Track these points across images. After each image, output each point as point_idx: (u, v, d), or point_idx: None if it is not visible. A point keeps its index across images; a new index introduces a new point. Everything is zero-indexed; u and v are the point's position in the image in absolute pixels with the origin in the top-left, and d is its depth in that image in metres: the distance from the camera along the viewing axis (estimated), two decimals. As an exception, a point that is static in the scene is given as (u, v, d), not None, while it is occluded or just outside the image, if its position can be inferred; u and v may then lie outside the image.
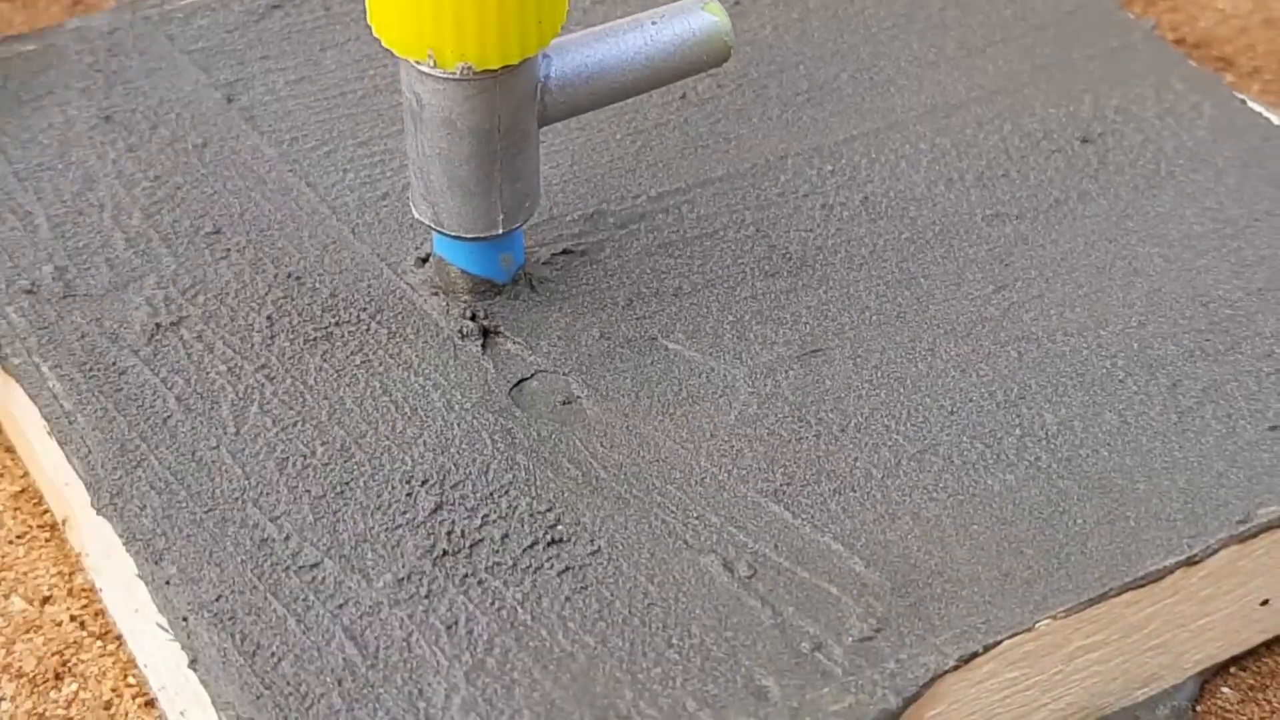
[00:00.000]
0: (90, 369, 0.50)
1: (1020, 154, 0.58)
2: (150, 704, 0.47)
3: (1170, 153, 0.58)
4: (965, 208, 0.56)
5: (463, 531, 0.46)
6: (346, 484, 0.47)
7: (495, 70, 0.47)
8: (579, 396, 0.49)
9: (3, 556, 0.51)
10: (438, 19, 0.46)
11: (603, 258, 0.53)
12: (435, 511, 0.46)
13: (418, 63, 0.47)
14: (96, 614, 0.49)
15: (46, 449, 0.50)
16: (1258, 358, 0.51)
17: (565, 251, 0.53)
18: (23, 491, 0.52)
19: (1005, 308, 0.52)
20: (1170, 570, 0.46)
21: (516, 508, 0.46)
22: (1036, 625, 0.44)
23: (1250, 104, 0.60)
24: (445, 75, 0.47)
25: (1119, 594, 0.45)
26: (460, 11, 0.45)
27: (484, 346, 0.51)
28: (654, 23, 0.51)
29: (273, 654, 0.43)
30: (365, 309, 0.52)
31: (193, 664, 0.43)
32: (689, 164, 0.57)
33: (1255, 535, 0.47)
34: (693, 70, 0.52)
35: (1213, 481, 0.48)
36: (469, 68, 0.47)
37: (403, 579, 0.45)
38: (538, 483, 0.47)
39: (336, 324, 0.51)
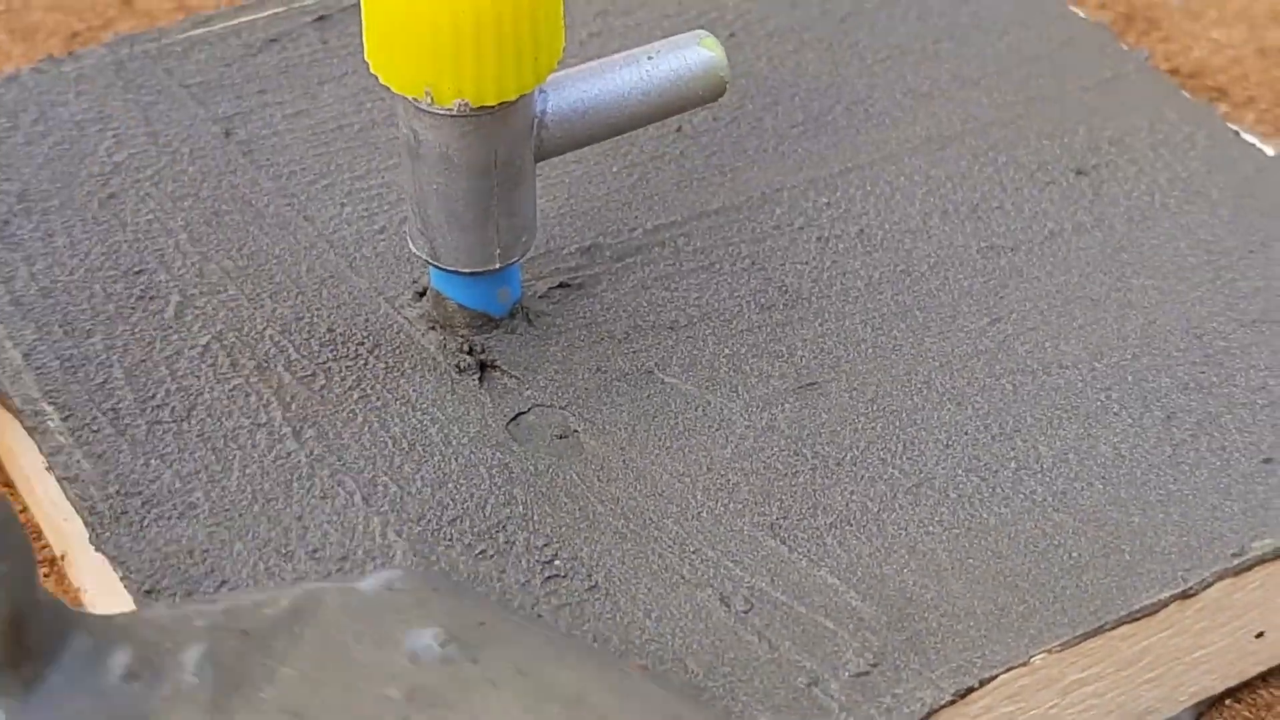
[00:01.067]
0: (89, 404, 0.50)
1: (1015, 186, 0.58)
2: (148, 739, 0.47)
3: (1164, 184, 0.58)
4: (960, 240, 0.56)
5: (460, 566, 0.46)
6: (344, 519, 0.47)
7: (492, 107, 0.47)
8: (576, 430, 0.50)
9: (1, 591, 0.51)
10: (435, 57, 0.46)
11: (599, 291, 0.54)
12: (433, 546, 0.47)
13: (415, 100, 0.47)
14: (95, 649, 0.49)
15: (45, 484, 0.50)
16: (1252, 390, 0.51)
17: (562, 285, 0.54)
18: (22, 527, 0.52)
19: (1000, 340, 0.53)
20: (1165, 604, 0.46)
21: (514, 543, 0.47)
22: (1032, 659, 0.44)
23: (1244, 135, 0.60)
24: (442, 112, 0.47)
25: (1114, 628, 0.45)
26: (457, 49, 0.46)
27: (481, 380, 0.51)
28: (650, 58, 0.51)
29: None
30: (363, 343, 0.52)
31: (191, 700, 0.44)
32: (685, 197, 0.57)
33: (1250, 568, 0.47)
34: (689, 105, 0.52)
35: (1207, 514, 0.48)
36: (466, 104, 0.47)
37: (400, 614, 0.45)
38: (535, 517, 0.47)
39: (334, 358, 0.51)
